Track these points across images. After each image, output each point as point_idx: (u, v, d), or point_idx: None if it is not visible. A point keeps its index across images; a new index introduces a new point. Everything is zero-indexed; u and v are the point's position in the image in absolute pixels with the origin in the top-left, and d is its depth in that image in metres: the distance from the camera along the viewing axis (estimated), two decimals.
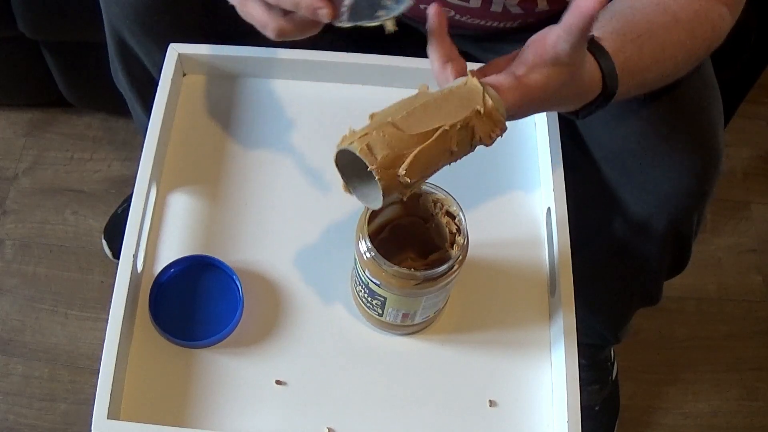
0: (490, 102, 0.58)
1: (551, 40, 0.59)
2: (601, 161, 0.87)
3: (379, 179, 0.56)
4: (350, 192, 0.61)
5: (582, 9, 0.56)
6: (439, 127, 0.57)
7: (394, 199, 0.60)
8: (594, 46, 0.65)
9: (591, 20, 0.56)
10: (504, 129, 0.60)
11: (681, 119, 0.81)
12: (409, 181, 0.57)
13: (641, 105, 0.80)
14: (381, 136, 0.56)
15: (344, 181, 0.61)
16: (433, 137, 0.57)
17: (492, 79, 0.61)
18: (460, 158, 0.60)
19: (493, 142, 0.61)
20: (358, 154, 0.56)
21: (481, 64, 0.65)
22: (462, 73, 0.61)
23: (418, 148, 0.57)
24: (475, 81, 0.59)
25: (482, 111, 0.58)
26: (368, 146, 0.56)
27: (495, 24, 0.85)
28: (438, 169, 0.60)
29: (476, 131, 0.59)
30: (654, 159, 0.82)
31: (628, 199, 0.87)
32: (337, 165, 0.60)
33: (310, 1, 0.60)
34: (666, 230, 0.87)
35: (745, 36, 1.16)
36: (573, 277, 0.73)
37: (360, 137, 0.56)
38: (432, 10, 0.61)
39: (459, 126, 0.58)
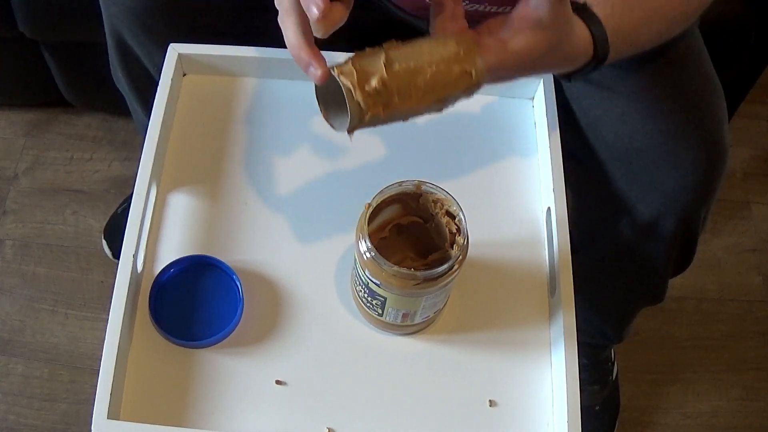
0: (479, 64, 0.61)
1: (533, 3, 0.60)
2: (606, 161, 0.87)
3: (343, 85, 0.59)
4: (327, 120, 0.64)
5: None
6: (421, 65, 0.60)
7: (358, 122, 0.62)
8: (584, 12, 0.66)
9: None
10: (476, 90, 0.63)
11: (685, 116, 0.81)
12: (375, 87, 0.59)
13: (646, 104, 0.81)
14: (364, 60, 0.60)
15: (322, 109, 0.64)
16: (409, 69, 0.60)
17: (479, 39, 0.62)
18: (428, 107, 0.62)
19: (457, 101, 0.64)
20: (333, 72, 0.60)
21: None
22: (458, 30, 0.63)
23: (391, 69, 0.60)
24: (469, 41, 0.61)
25: (473, 74, 0.61)
26: (341, 69, 0.60)
27: (491, 8, 0.85)
28: (405, 110, 0.62)
29: (454, 85, 0.61)
30: (660, 157, 0.82)
31: (635, 199, 0.87)
32: (318, 96, 0.64)
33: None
34: (674, 229, 0.87)
35: (745, 36, 1.16)
36: (576, 277, 0.73)
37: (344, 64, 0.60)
38: None
39: (438, 70, 0.60)
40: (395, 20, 0.94)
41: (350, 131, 0.62)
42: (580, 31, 0.65)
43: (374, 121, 0.61)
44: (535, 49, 0.62)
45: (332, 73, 0.60)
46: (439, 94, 0.62)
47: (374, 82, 0.59)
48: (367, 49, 0.62)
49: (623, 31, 0.68)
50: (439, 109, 0.64)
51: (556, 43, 0.63)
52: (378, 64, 0.60)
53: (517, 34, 0.61)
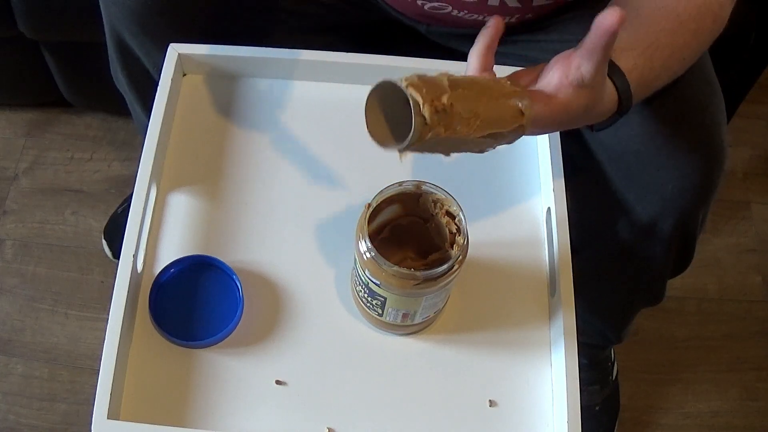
0: (529, 106, 0.61)
1: (575, 62, 0.61)
2: (605, 163, 0.87)
3: (411, 97, 0.57)
4: (372, 137, 0.62)
5: (603, 27, 0.57)
6: (481, 95, 0.60)
7: (418, 139, 0.60)
8: (610, 67, 0.66)
9: (613, 37, 0.58)
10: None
11: (684, 119, 0.82)
12: (443, 104, 0.58)
13: (644, 106, 0.81)
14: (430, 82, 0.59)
15: (370, 125, 0.62)
16: (472, 96, 0.60)
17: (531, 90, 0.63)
18: (477, 142, 0.62)
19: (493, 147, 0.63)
20: (400, 84, 0.57)
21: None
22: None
23: (455, 92, 0.59)
24: (522, 85, 0.62)
25: (525, 112, 0.61)
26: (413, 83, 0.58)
27: (480, 17, 0.85)
28: (459, 138, 0.61)
29: (509, 121, 0.61)
30: (658, 160, 0.82)
31: (633, 201, 0.87)
32: (368, 111, 0.61)
33: None
34: (671, 231, 0.87)
35: (745, 36, 1.16)
36: (575, 278, 0.73)
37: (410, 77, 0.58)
38: (493, 21, 0.64)
39: (498, 103, 0.60)
40: (395, 22, 0.94)
41: (405, 149, 0.60)
42: (608, 86, 0.66)
43: (430, 143, 0.59)
44: (574, 106, 0.63)
45: (399, 85, 0.58)
46: (493, 128, 0.61)
47: (444, 99, 0.58)
48: (423, 75, 0.60)
49: (645, 81, 0.69)
50: (482, 150, 0.63)
51: (594, 102, 0.64)
52: (443, 84, 0.59)
53: (559, 90, 0.63)
